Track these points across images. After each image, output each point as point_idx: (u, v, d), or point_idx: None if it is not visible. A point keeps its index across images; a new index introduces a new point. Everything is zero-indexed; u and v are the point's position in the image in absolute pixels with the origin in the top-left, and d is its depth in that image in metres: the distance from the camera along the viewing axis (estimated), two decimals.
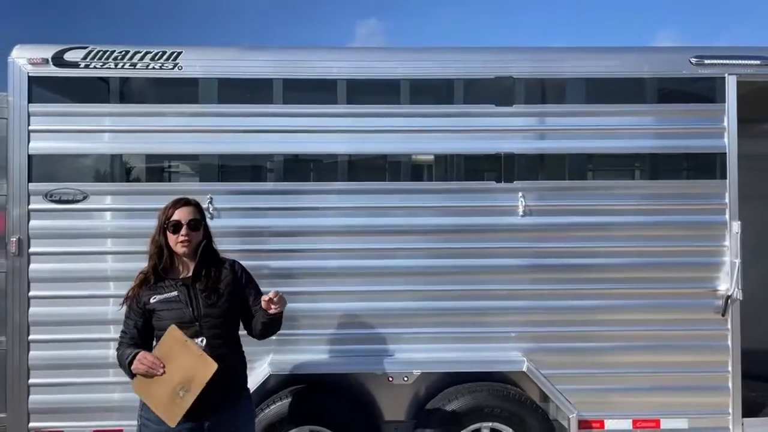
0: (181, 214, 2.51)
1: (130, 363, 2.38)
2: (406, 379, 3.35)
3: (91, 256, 3.37)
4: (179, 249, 2.50)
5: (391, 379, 3.35)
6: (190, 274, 2.54)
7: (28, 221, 3.32)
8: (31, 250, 3.32)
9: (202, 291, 2.51)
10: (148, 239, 2.59)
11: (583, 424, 3.42)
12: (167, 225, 2.50)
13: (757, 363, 4.42)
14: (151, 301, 2.47)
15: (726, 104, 3.49)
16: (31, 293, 3.32)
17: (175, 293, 2.47)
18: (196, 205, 2.62)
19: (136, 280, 2.54)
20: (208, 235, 2.64)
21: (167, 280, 2.51)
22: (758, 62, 3.51)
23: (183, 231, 2.49)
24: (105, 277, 3.38)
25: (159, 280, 2.51)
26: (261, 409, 3.26)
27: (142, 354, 2.38)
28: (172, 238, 2.50)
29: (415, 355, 3.40)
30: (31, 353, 3.32)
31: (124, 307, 2.56)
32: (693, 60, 3.49)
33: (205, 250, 2.57)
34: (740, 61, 3.51)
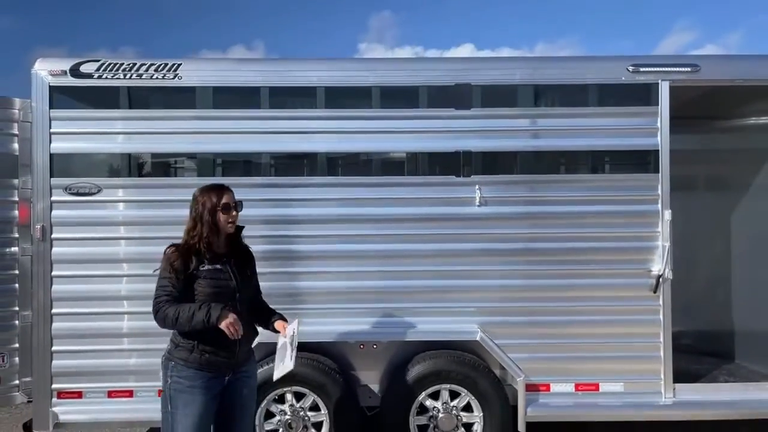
0: (230, 198, 2.84)
1: (211, 316, 2.61)
2: (375, 346, 3.86)
3: (105, 241, 3.88)
4: (229, 228, 2.83)
5: (362, 346, 3.86)
6: (224, 251, 2.85)
7: (51, 211, 3.83)
8: (54, 236, 3.84)
9: (240, 267, 2.87)
10: (186, 221, 2.86)
11: (531, 387, 3.91)
12: (220, 207, 2.78)
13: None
14: (201, 268, 2.73)
15: (659, 107, 3.93)
16: (53, 273, 3.84)
17: (219, 266, 2.79)
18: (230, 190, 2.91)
19: (177, 252, 2.73)
20: None
21: (209, 254, 2.77)
22: (688, 69, 3.96)
23: (234, 212, 2.85)
24: (117, 259, 3.89)
25: (204, 253, 2.75)
26: None
27: (236, 319, 2.66)
28: (223, 217, 2.79)
29: (384, 327, 3.89)
30: (54, 324, 3.84)
31: (164, 271, 2.74)
32: (630, 68, 3.94)
33: (238, 231, 2.94)
34: (672, 69, 3.96)
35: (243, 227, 2.97)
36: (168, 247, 2.80)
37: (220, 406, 2.84)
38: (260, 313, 3.07)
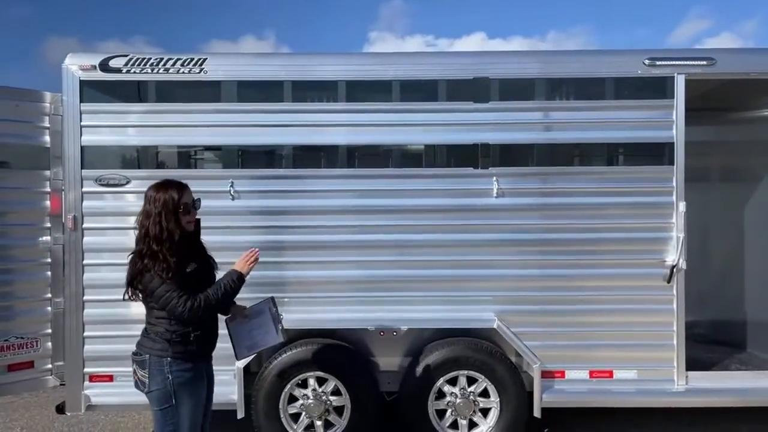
0: (188, 197, 2.75)
1: (234, 278, 2.73)
2: (395, 333, 3.97)
3: (132, 230, 4.01)
4: (190, 227, 2.75)
5: (382, 333, 3.98)
6: (190, 248, 2.78)
7: (82, 202, 3.97)
8: (85, 225, 3.98)
9: (206, 262, 2.88)
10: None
11: (546, 374, 4.01)
12: (181, 208, 2.68)
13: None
14: (188, 270, 2.71)
15: (675, 100, 3.99)
16: (85, 261, 3.98)
17: (195, 264, 2.76)
18: (188, 187, 2.82)
19: (157, 258, 2.61)
20: None
21: (182, 254, 2.69)
22: (704, 63, 4.01)
23: (193, 213, 2.77)
24: None
25: (181, 254, 2.68)
26: (275, 357, 3.91)
27: (245, 256, 2.83)
28: (184, 218, 2.70)
29: (404, 315, 4.01)
30: (86, 311, 3.99)
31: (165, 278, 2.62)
32: (646, 61, 4.00)
33: (198, 227, 2.87)
34: (688, 62, 4.01)
35: (199, 220, 2.92)
36: (142, 258, 2.65)
37: None
38: None
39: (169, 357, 2.69)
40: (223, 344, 3.95)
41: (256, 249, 2.85)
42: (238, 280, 2.77)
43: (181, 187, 2.76)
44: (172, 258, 2.62)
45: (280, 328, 3.06)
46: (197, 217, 2.88)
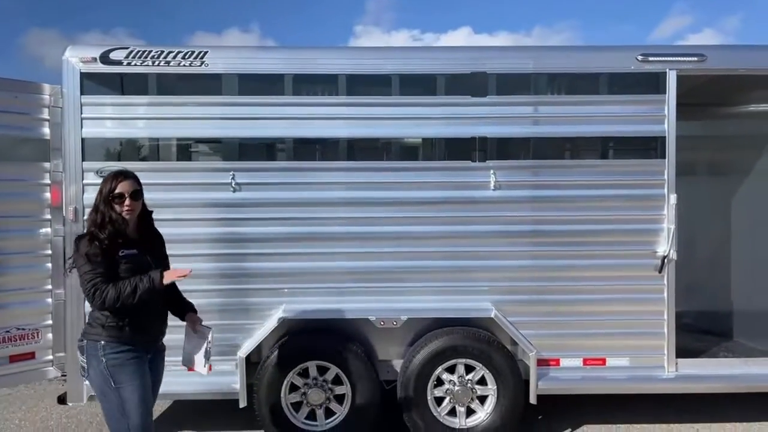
0: (125, 187, 2.81)
1: (154, 280, 2.72)
2: (395, 323, 4.04)
3: None
4: (126, 216, 2.81)
5: (382, 323, 4.05)
6: (137, 236, 2.90)
7: (83, 193, 3.99)
8: (86, 217, 3.98)
9: (154, 251, 2.96)
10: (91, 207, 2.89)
11: (541, 362, 4.11)
12: (112, 197, 2.78)
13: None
14: (120, 254, 2.76)
15: (666, 95, 4.10)
16: None
17: (135, 250, 2.82)
18: (135, 178, 2.90)
19: (89, 241, 2.73)
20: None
21: (123, 239, 2.80)
22: (695, 59, 4.13)
23: (127, 202, 2.80)
24: None
25: (118, 238, 2.78)
26: (278, 346, 3.97)
27: (175, 269, 2.84)
28: (118, 207, 2.79)
29: (403, 305, 4.08)
30: (86, 302, 4.01)
31: (81, 260, 2.73)
32: (639, 57, 4.10)
33: (147, 216, 3.00)
34: (679, 58, 4.12)
35: (152, 212, 3.03)
36: (77, 239, 2.82)
37: None
38: (171, 297, 3.10)
39: (102, 341, 2.76)
40: (220, 335, 4.06)
41: (191, 271, 2.81)
42: (149, 282, 2.72)
43: (118, 178, 2.83)
44: (104, 242, 2.72)
45: (207, 362, 3.08)
46: (151, 209, 3.04)
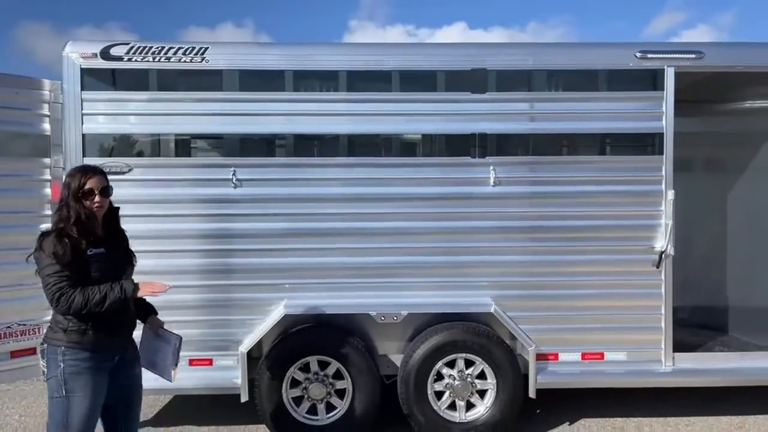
0: (95, 183, 2.72)
1: (126, 290, 2.64)
2: (395, 318, 4.08)
3: (135, 218, 3.99)
4: (96, 212, 2.72)
5: (383, 318, 4.08)
6: (103, 234, 2.78)
7: None
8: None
9: (120, 250, 2.88)
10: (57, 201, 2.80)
11: (540, 356, 4.16)
12: (81, 193, 2.68)
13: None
14: (89, 253, 2.67)
15: (665, 92, 4.14)
16: None
17: (103, 249, 2.73)
18: (104, 173, 2.82)
19: (54, 238, 2.62)
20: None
21: (91, 237, 2.70)
22: (693, 56, 4.16)
23: (96, 199, 2.71)
24: (147, 235, 4.03)
25: (87, 236, 2.69)
26: (280, 342, 4.00)
27: (149, 281, 2.76)
28: (87, 203, 2.69)
29: (404, 300, 4.11)
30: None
31: (46, 260, 2.61)
32: (638, 54, 4.13)
33: (114, 214, 2.90)
34: (678, 55, 4.16)
35: (119, 208, 2.95)
36: (41, 237, 2.70)
37: (111, 386, 2.80)
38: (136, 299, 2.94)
39: (63, 346, 2.66)
40: (224, 329, 4.09)
41: (169, 287, 2.77)
42: (121, 292, 2.64)
43: (87, 174, 2.74)
44: (75, 240, 2.63)
45: (174, 369, 2.96)
46: (117, 206, 2.93)
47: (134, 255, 3.03)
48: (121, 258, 2.89)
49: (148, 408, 4.91)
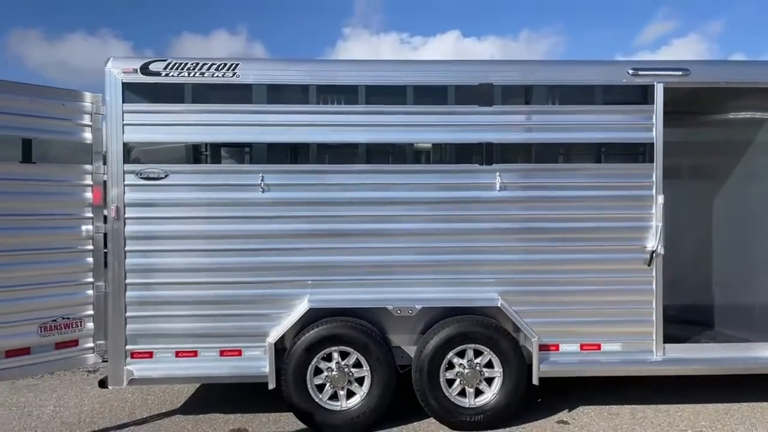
0: None
1: None
2: (410, 312, 4.44)
3: (171, 219, 4.39)
4: None
5: (399, 312, 4.44)
6: None
7: (124, 193, 4.34)
8: (127, 215, 4.35)
9: None
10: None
11: (542, 347, 4.53)
12: None
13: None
14: None
15: (655, 105, 4.55)
16: (126, 248, 4.35)
17: None
18: None
19: None
20: None
21: None
22: (680, 73, 4.58)
23: None
24: (182, 236, 4.40)
25: None
26: (303, 334, 4.35)
27: None
28: None
29: (418, 295, 4.48)
30: (127, 293, 4.36)
31: None
32: (630, 71, 4.54)
33: None
34: (666, 72, 4.57)
35: None
36: None
37: None
38: None
39: None
40: (252, 322, 4.43)
41: None
42: None
43: None
44: None
45: None
46: None
47: None
48: None
49: (176, 398, 5.25)
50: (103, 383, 4.44)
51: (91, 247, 4.48)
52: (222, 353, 4.41)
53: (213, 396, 5.27)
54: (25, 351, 4.20)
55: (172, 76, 4.38)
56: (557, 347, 4.57)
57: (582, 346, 4.58)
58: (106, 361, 4.43)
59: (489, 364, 4.47)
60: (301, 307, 4.39)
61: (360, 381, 4.43)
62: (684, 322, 5.66)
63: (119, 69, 4.35)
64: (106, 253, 4.42)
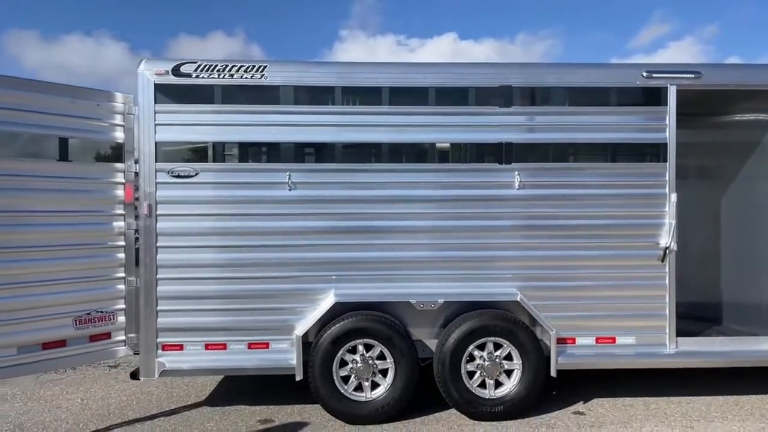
0: None
1: None
2: (433, 306, 4.59)
3: (201, 216, 4.54)
4: None
5: (422, 306, 4.59)
6: None
7: (156, 191, 4.48)
8: (158, 212, 4.49)
9: None
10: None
11: (560, 340, 4.68)
12: None
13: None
14: None
15: (668, 107, 4.71)
16: (158, 244, 4.49)
17: None
18: None
19: None
20: None
21: None
22: (692, 76, 4.74)
23: None
24: (212, 232, 4.55)
25: None
26: (329, 327, 4.49)
27: None
28: None
29: (439, 290, 4.63)
30: (159, 288, 4.50)
31: None
32: (644, 74, 4.70)
33: None
34: (679, 75, 4.73)
35: None
36: None
37: None
38: None
39: None
40: (278, 316, 4.57)
41: None
42: None
43: None
44: None
45: None
46: None
47: None
48: None
49: (200, 391, 5.39)
50: (134, 375, 4.58)
51: (122, 243, 4.61)
52: (250, 346, 4.55)
53: (236, 389, 5.40)
54: (61, 343, 4.33)
55: (203, 77, 4.53)
56: (574, 341, 4.72)
57: (597, 340, 4.74)
58: (137, 354, 4.57)
59: (508, 357, 4.62)
60: (327, 301, 4.53)
61: (384, 372, 4.57)
62: (693, 318, 5.81)
63: (152, 71, 4.50)
64: (137, 249, 4.56)
